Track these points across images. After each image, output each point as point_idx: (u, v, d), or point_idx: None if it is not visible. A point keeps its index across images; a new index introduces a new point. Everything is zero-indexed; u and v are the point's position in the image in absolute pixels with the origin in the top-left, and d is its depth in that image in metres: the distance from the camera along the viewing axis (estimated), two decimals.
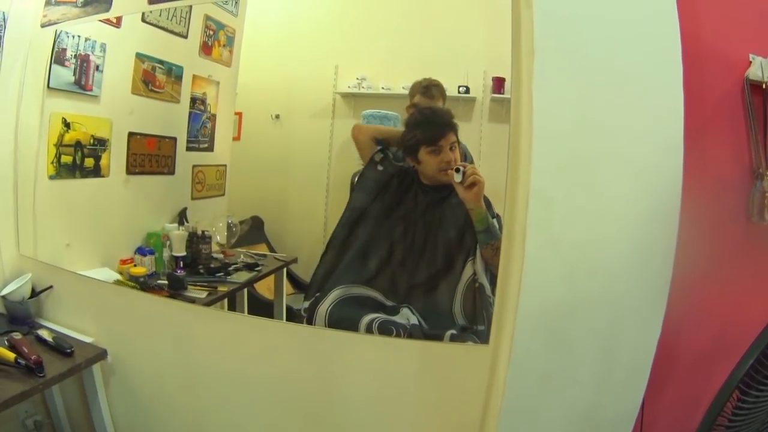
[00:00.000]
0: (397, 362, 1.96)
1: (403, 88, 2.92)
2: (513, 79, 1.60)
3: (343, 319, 2.23)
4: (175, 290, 2.56)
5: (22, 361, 2.02)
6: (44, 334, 2.29)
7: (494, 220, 2.22)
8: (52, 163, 2.64)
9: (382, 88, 3.04)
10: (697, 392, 2.04)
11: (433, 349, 2.00)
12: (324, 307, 2.27)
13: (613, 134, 1.52)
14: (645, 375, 1.64)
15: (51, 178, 2.65)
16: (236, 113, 3.28)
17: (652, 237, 1.55)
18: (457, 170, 2.15)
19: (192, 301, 2.50)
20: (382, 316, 2.21)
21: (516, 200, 1.54)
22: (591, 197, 1.52)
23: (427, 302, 2.28)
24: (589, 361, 1.62)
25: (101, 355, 2.31)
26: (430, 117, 2.39)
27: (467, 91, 2.87)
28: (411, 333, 2.13)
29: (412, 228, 2.36)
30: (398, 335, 2.12)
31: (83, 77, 2.69)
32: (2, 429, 2.48)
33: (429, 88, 2.64)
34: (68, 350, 2.20)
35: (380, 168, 2.45)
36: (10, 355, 2.04)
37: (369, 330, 2.16)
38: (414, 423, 1.96)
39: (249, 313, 2.99)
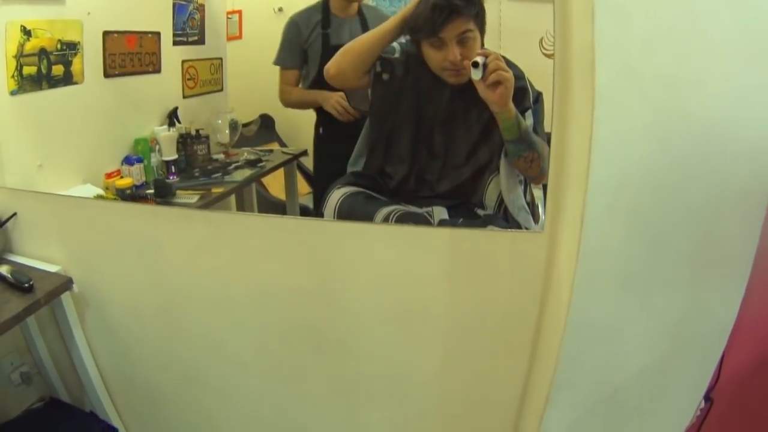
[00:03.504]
0: (423, 260, 1.50)
1: None
2: None
3: (355, 212, 1.85)
4: (162, 198, 2.34)
5: None
6: (2, 269, 1.98)
7: (528, 118, 1.75)
8: (13, 76, 2.35)
9: None
10: None
11: (469, 240, 1.50)
12: (334, 197, 1.90)
13: None
14: (746, 274, 1.30)
15: (12, 93, 2.36)
16: (235, 11, 3.12)
17: (759, 86, 1.15)
18: (475, 64, 1.61)
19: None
20: (401, 207, 1.80)
21: (570, 12, 1.07)
22: (681, 20, 1.08)
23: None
24: (682, 255, 1.22)
25: (65, 285, 1.99)
26: None
27: None
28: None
29: (429, 129, 1.91)
30: None
31: None
32: None
33: None
34: (26, 284, 1.88)
35: (386, 77, 1.94)
36: None
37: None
38: (444, 339, 1.54)
39: None
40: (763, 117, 1.18)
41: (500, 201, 1.84)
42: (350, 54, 1.93)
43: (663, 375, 1.39)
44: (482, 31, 1.78)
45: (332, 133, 2.59)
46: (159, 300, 1.98)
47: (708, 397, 1.62)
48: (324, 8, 2.55)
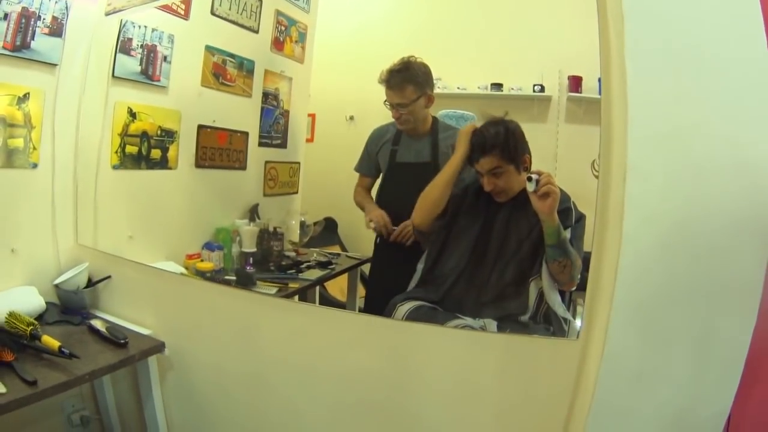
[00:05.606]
0: (480, 357, 1.81)
1: (478, 87, 2.86)
2: (601, 47, 1.50)
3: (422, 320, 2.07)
4: (244, 286, 2.47)
5: (67, 350, 1.90)
6: (97, 324, 2.21)
7: (567, 233, 2.03)
8: (116, 152, 2.60)
9: (458, 88, 2.93)
10: None
11: (519, 343, 1.84)
12: (400, 312, 2.12)
13: (705, 105, 1.39)
14: (738, 372, 1.49)
15: (114, 168, 2.61)
16: (309, 115, 3.25)
17: (748, 217, 1.42)
18: (529, 179, 1.96)
19: None
20: (460, 321, 2.05)
21: (610, 175, 1.42)
22: (688, 171, 1.39)
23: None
24: (684, 357, 1.47)
25: (158, 347, 2.22)
26: (472, 137, 2.20)
27: (542, 89, 2.72)
28: None
29: (483, 242, 2.21)
30: None
31: (150, 67, 2.67)
32: (46, 423, 2.42)
33: (391, 76, 2.44)
34: (122, 341, 2.11)
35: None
36: (55, 344, 1.91)
37: None
38: (494, 421, 1.80)
39: None
40: (747, 255, 1.42)
41: (538, 302, 2.10)
42: (425, 201, 2.29)
43: None
44: (517, 164, 2.13)
45: (389, 242, 2.54)
46: (250, 369, 2.21)
47: None
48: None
